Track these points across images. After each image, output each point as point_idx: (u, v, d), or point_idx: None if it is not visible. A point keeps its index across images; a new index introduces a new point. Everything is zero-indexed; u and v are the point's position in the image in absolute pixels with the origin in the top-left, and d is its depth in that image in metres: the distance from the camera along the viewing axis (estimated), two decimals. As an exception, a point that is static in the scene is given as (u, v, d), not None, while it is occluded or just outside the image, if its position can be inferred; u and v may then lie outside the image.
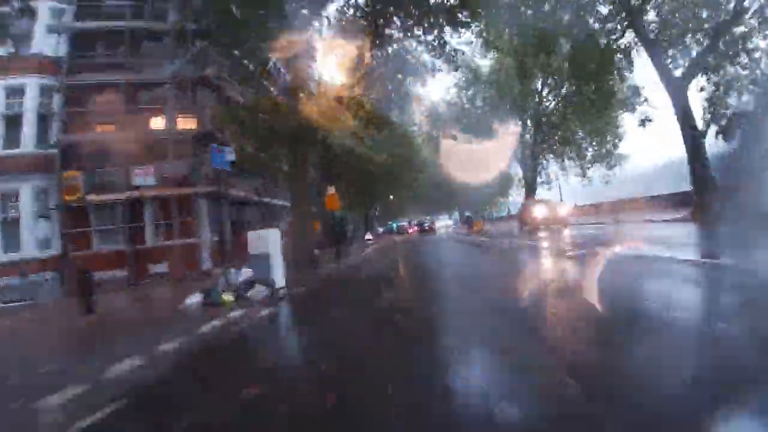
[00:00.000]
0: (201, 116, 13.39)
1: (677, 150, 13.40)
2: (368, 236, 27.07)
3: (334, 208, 13.35)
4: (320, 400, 2.09)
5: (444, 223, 56.33)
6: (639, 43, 14.08)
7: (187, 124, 13.48)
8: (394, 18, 9.84)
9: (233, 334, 4.47)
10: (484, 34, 18.31)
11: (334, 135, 11.10)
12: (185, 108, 13.45)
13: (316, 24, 10.05)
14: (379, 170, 24.18)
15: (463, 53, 12.07)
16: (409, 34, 10.41)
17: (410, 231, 48.47)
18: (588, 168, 26.54)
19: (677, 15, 13.80)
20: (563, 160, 27.96)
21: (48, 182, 12.46)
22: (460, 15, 9.57)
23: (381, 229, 45.21)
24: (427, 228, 48.44)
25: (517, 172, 31.16)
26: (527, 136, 26.46)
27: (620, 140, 23.02)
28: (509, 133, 27.75)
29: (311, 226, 10.28)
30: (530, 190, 25.44)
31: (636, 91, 18.01)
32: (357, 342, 3.43)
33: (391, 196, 40.82)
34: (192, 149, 12.95)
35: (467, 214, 26.25)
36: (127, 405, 2.45)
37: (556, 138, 25.88)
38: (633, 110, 18.27)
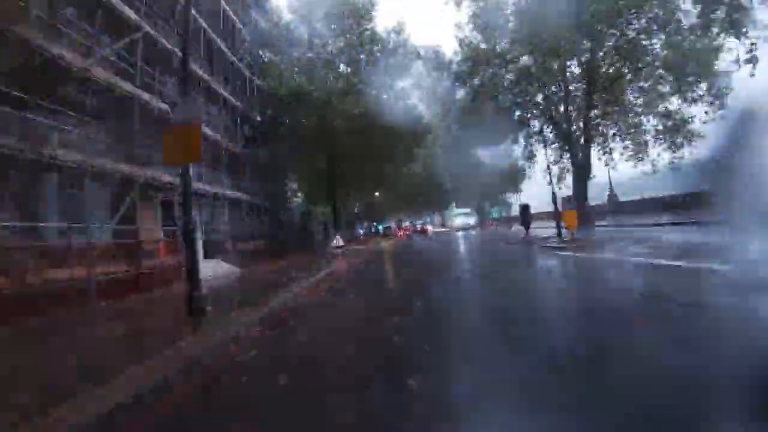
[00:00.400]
0: None
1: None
2: (337, 242, 17.90)
3: (175, 162, 4.52)
4: None
5: (462, 222, 43.77)
6: None
7: None
8: None
9: None
10: None
11: None
12: None
13: None
14: (349, 127, 15.47)
15: None
16: None
17: (400, 234, 40.96)
18: (646, 148, 18.01)
19: None
20: (606, 140, 19.46)
21: None
22: None
23: (362, 231, 36.40)
24: (419, 230, 43.94)
25: (541, 155, 22.44)
26: (575, 97, 18.02)
27: (727, 91, 13.65)
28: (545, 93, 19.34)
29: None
30: (581, 177, 16.90)
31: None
32: None
33: (377, 193, 32.33)
34: None
35: (522, 203, 17.58)
36: None
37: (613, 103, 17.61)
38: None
